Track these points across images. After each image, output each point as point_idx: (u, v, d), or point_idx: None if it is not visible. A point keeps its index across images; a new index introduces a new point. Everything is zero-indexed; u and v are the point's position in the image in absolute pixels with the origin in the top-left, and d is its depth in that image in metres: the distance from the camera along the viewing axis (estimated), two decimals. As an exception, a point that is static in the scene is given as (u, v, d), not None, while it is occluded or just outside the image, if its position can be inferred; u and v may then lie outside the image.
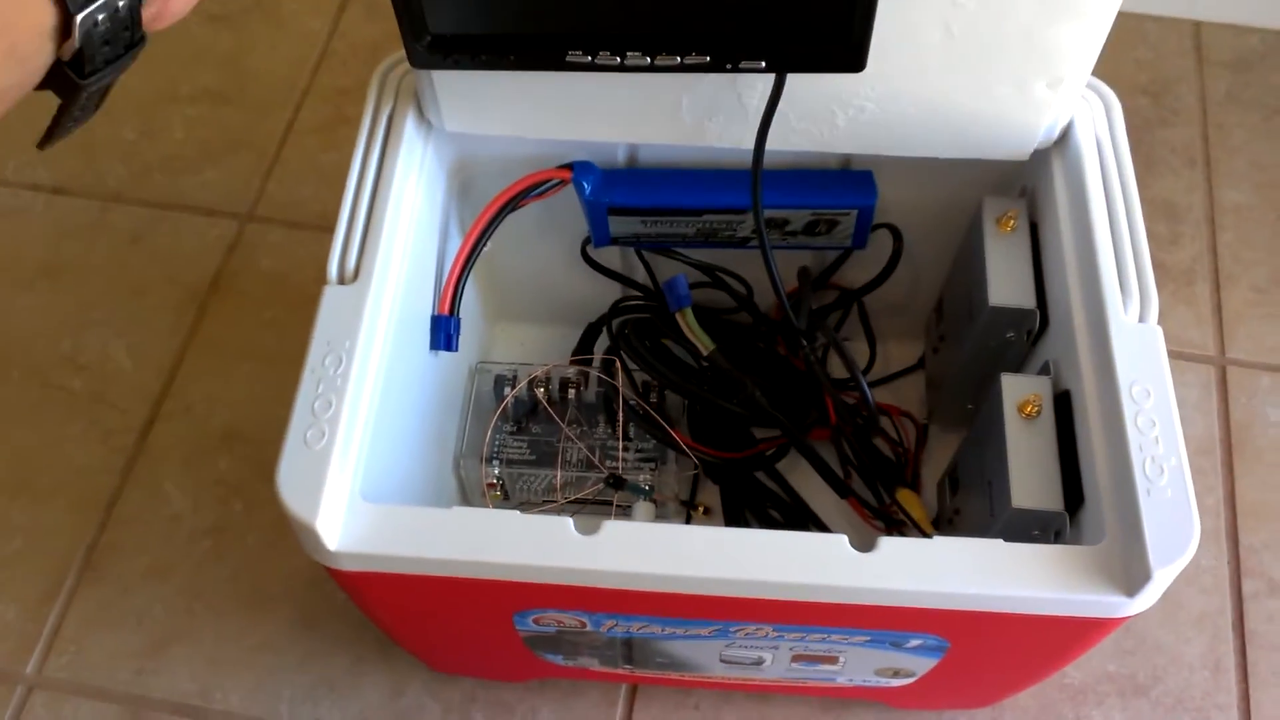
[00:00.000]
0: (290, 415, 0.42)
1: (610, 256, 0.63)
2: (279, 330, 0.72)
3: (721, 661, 0.51)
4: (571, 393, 0.63)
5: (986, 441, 0.49)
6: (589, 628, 0.47)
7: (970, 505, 0.52)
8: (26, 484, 0.67)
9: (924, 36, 0.45)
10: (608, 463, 0.60)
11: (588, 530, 0.41)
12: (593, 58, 0.43)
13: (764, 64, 0.43)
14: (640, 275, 0.64)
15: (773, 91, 0.46)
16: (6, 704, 0.60)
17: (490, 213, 0.53)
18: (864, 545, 0.41)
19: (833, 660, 0.49)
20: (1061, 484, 0.45)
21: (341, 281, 0.45)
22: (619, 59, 0.43)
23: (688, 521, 0.62)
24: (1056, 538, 0.45)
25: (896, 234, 0.56)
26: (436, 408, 0.56)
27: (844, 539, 0.41)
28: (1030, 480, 0.45)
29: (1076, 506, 0.45)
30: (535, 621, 0.47)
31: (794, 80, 0.46)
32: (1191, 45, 0.83)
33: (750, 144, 0.49)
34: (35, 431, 0.69)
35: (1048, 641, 0.45)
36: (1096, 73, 0.48)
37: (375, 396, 0.44)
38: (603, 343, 0.66)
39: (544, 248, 0.62)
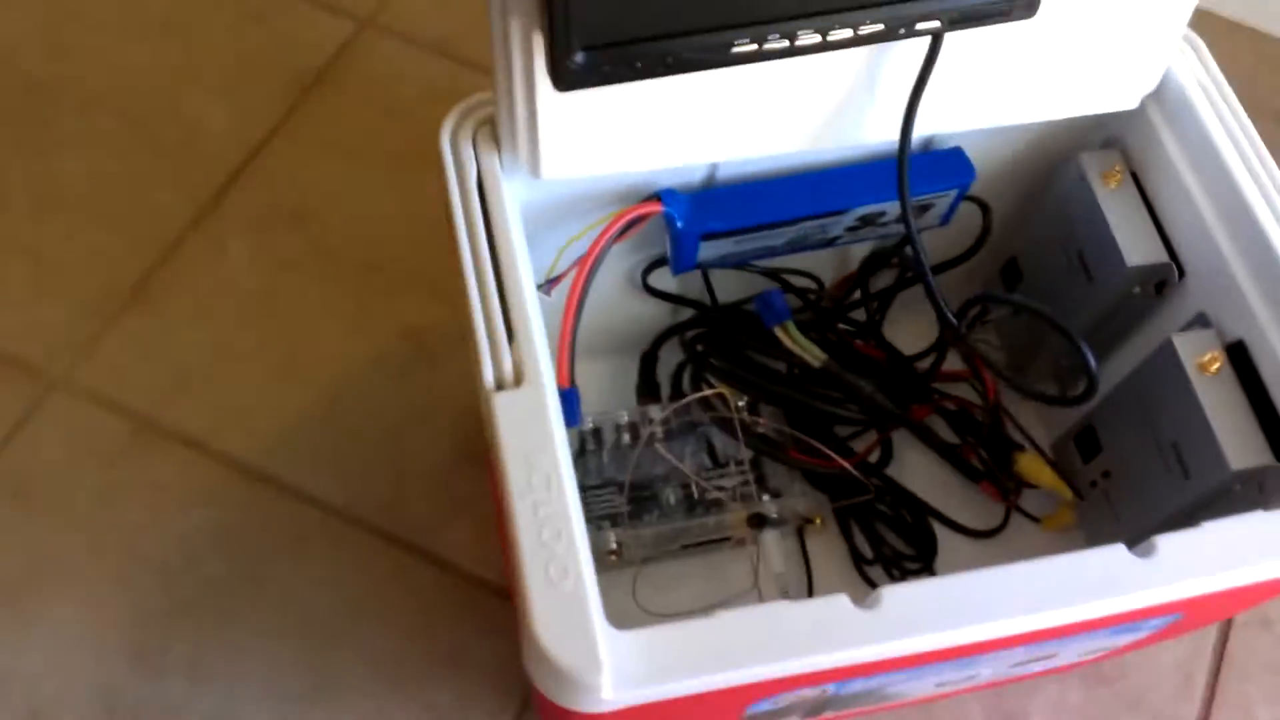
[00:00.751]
0: (519, 551, 0.36)
1: (663, 278, 0.58)
2: (371, 133, 0.73)
3: (936, 685, 0.48)
4: (659, 432, 0.58)
5: (1155, 403, 0.48)
6: (829, 692, 0.44)
7: (1131, 467, 0.51)
8: (102, 210, 0.69)
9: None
10: (718, 497, 0.56)
11: (868, 604, 0.37)
12: (760, 44, 0.38)
13: (939, 23, 0.39)
14: (695, 292, 0.59)
15: (926, 58, 0.42)
16: (27, 397, 0.63)
17: (589, 265, 0.48)
18: (1143, 551, 0.39)
19: (1051, 656, 0.48)
20: (1264, 435, 0.45)
21: (501, 387, 0.39)
22: (789, 41, 0.38)
23: (802, 537, 0.59)
24: (1260, 489, 0.45)
25: (985, 208, 0.54)
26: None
27: (1120, 548, 0.39)
28: (1237, 439, 0.44)
29: (1284, 454, 0.44)
30: (773, 701, 0.43)
31: (897, 60, 0.43)
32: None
33: (869, 139, 0.46)
34: (121, 164, 0.71)
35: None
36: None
37: (579, 507, 0.38)
38: (665, 368, 0.62)
39: (601, 279, 0.57)
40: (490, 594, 0.59)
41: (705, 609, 0.37)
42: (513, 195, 0.45)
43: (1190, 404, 0.46)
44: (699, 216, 0.50)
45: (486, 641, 0.58)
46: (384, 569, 0.59)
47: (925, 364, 0.59)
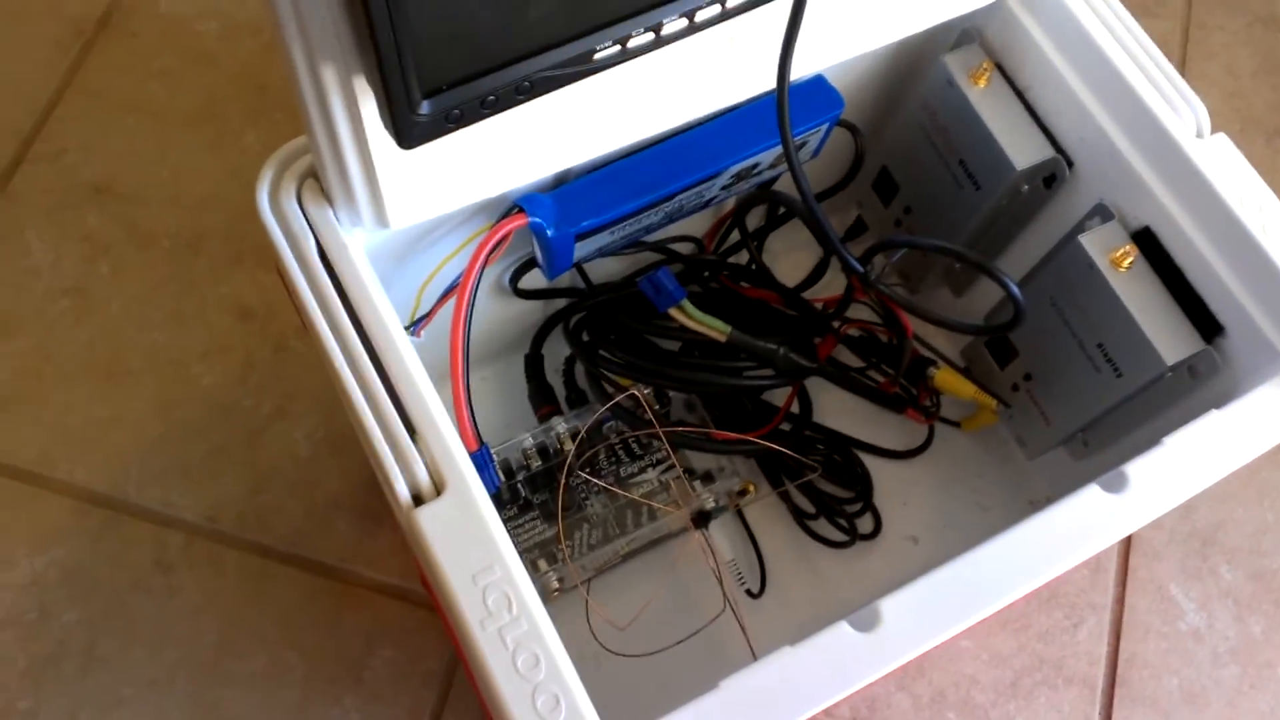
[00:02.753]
0: (498, 695, 0.31)
1: (535, 277, 0.53)
2: (171, 82, 0.65)
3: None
4: (569, 443, 0.54)
5: (1071, 305, 0.47)
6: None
7: (1054, 369, 0.50)
8: None
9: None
10: (646, 494, 0.53)
11: (867, 626, 0.35)
12: (625, 44, 0.32)
13: None
14: (567, 280, 0.55)
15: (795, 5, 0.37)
16: None
17: (465, 303, 0.42)
18: (1115, 485, 0.38)
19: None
20: (1189, 321, 0.44)
21: (420, 500, 0.34)
22: (654, 34, 0.33)
23: (740, 510, 0.56)
24: (1191, 373, 0.44)
25: (855, 131, 0.51)
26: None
27: (1095, 488, 0.38)
28: (1165, 331, 0.43)
29: (1213, 335, 0.44)
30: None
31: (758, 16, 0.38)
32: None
33: (741, 95, 0.42)
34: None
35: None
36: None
37: (544, 610, 0.34)
38: (553, 362, 0.57)
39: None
40: (386, 596, 0.54)
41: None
42: (358, 251, 0.39)
43: (1112, 304, 0.44)
44: (568, 218, 0.45)
45: (388, 650, 0.53)
46: (263, 585, 0.54)
47: (814, 294, 0.56)
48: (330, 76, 0.32)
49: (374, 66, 0.29)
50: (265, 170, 0.38)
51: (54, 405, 0.57)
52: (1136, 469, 0.38)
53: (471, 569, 0.33)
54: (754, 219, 0.57)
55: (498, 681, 0.31)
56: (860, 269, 0.45)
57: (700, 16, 0.33)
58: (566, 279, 0.55)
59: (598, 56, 0.32)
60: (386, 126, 0.31)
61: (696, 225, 0.55)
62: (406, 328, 0.45)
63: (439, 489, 0.34)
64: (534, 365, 0.57)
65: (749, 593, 0.53)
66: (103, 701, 0.50)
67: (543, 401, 0.56)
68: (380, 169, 0.35)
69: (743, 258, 0.57)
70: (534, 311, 0.57)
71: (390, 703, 0.52)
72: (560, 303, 0.56)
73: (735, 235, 0.56)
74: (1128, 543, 0.59)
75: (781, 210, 0.57)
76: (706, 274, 0.58)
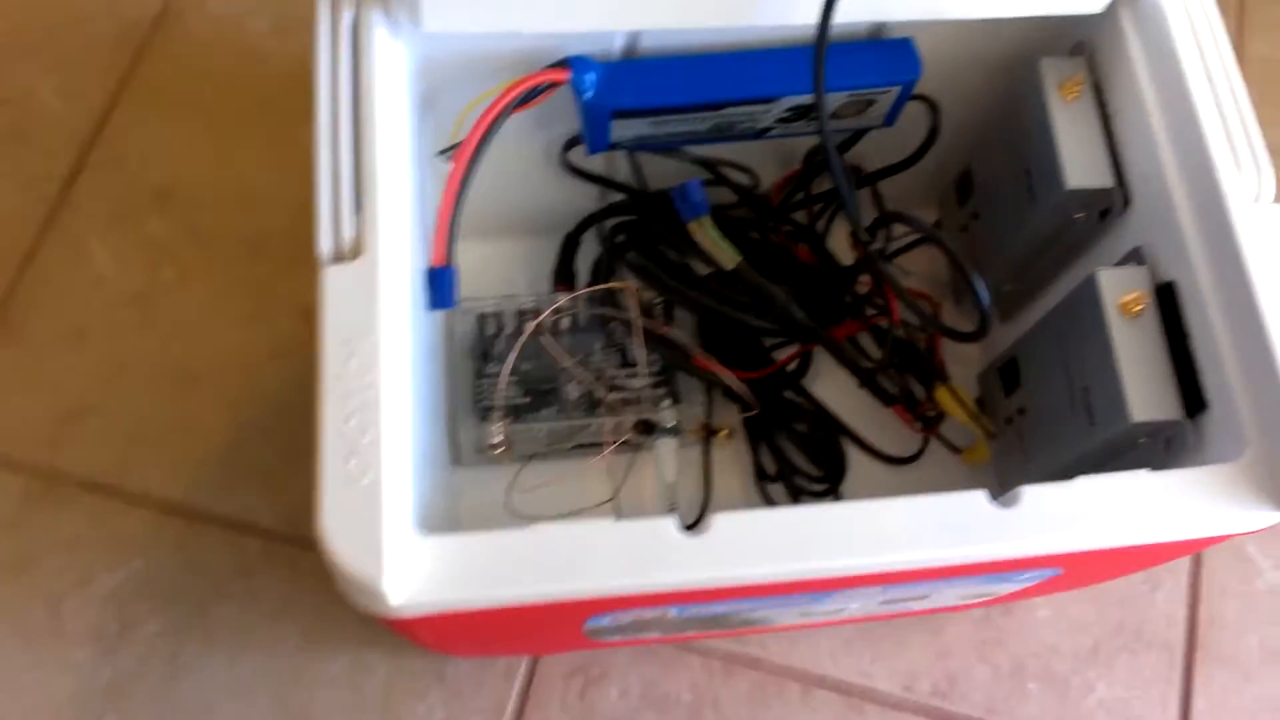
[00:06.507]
0: (320, 442, 0.33)
1: (590, 157, 0.54)
2: (224, 82, 0.64)
3: (801, 615, 0.46)
4: (566, 322, 0.55)
5: (1072, 341, 0.45)
6: (671, 614, 0.42)
7: (1044, 407, 0.47)
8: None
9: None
10: (620, 399, 0.53)
11: (695, 531, 0.35)
12: None
13: None
14: (623, 175, 0.56)
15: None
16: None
17: (478, 135, 0.44)
18: (1004, 500, 0.36)
19: (922, 597, 0.45)
20: (1177, 388, 0.41)
21: (339, 259, 0.36)
22: None
23: (708, 448, 0.56)
24: (1167, 445, 0.42)
25: (934, 108, 0.49)
26: (432, 377, 0.48)
27: (981, 496, 0.36)
28: (1146, 389, 0.41)
29: (1196, 411, 0.41)
30: (610, 619, 0.41)
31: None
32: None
33: (798, 19, 0.42)
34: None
35: (1171, 552, 0.42)
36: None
37: (408, 399, 0.36)
38: (585, 255, 0.58)
39: (514, 153, 0.53)
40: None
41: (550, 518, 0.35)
42: (399, 52, 0.41)
43: (1103, 346, 0.42)
44: (609, 90, 0.46)
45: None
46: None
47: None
48: None
49: None
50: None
51: (126, 414, 0.56)
52: (1034, 493, 0.36)
53: (346, 332, 0.35)
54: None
55: (323, 434, 0.33)
56: (864, 237, 0.44)
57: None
58: (624, 177, 0.56)
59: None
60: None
61: (763, 161, 0.55)
62: (440, 152, 0.47)
63: (356, 255, 0.36)
64: (568, 246, 0.58)
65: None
66: (190, 710, 0.51)
67: (561, 280, 0.57)
68: (416, -38, 0.37)
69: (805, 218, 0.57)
70: (588, 199, 0.58)
71: (473, 697, 0.52)
72: (613, 199, 0.57)
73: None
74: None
75: (861, 173, 0.56)
76: (770, 223, 0.58)
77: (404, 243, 0.38)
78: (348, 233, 0.36)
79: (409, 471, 0.35)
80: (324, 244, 0.36)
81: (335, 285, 0.35)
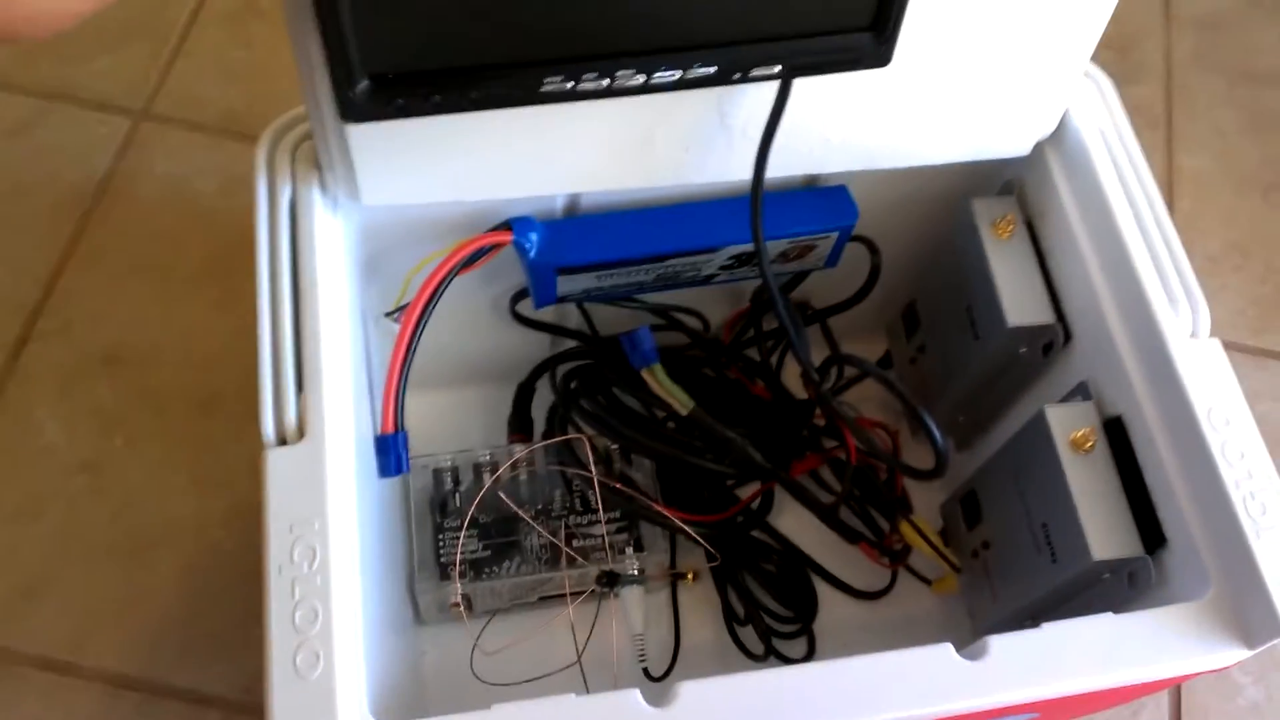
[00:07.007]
0: (267, 637, 0.32)
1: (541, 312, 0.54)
2: (173, 243, 0.64)
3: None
4: (524, 473, 0.55)
5: (1027, 476, 0.45)
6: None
7: (1006, 542, 0.47)
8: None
9: (928, 25, 0.39)
10: (583, 547, 0.53)
11: (662, 701, 0.34)
12: (575, 83, 0.34)
13: (779, 68, 0.36)
14: (575, 322, 0.56)
15: (776, 102, 0.38)
16: None
17: (424, 298, 0.44)
18: (971, 652, 0.36)
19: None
20: (1135, 523, 0.41)
21: (283, 442, 0.36)
22: (607, 80, 0.34)
23: (675, 592, 0.55)
24: (1131, 580, 0.41)
25: (873, 249, 0.50)
26: (389, 538, 0.47)
27: (949, 649, 0.36)
28: (1104, 526, 0.41)
29: (1155, 546, 0.41)
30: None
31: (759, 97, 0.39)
32: (1160, 1, 0.79)
33: (734, 175, 0.42)
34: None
35: (1142, 690, 0.42)
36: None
37: (357, 579, 0.35)
38: (540, 402, 0.58)
39: (463, 307, 0.53)
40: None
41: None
42: (337, 226, 0.42)
43: (1059, 484, 0.42)
44: (553, 248, 0.46)
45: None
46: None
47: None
48: (314, 48, 0.35)
49: (322, 45, 0.32)
50: (267, 130, 0.42)
51: (79, 587, 0.55)
52: (1000, 643, 0.36)
53: (292, 517, 0.34)
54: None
55: (269, 629, 0.32)
56: (814, 377, 0.44)
57: (658, 78, 0.34)
58: (575, 324, 0.56)
59: (545, 89, 0.34)
60: (334, 97, 0.34)
61: (712, 304, 0.56)
62: (388, 314, 0.47)
63: (300, 437, 0.36)
64: (522, 394, 0.58)
65: (646, 672, 0.52)
66: None
67: (517, 429, 0.57)
68: (353, 142, 0.38)
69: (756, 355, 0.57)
70: (541, 347, 0.58)
71: None
72: (565, 345, 0.58)
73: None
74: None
75: (808, 311, 0.57)
76: (724, 359, 0.58)
77: (349, 416, 0.38)
78: (290, 415, 0.36)
79: (361, 654, 0.33)
80: (267, 427, 0.36)
81: (278, 469, 0.35)
